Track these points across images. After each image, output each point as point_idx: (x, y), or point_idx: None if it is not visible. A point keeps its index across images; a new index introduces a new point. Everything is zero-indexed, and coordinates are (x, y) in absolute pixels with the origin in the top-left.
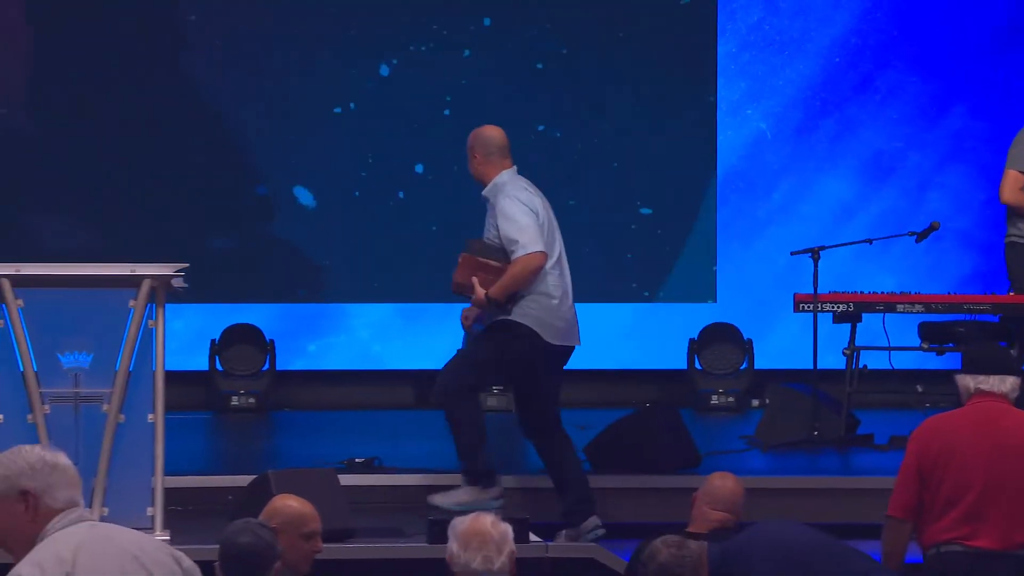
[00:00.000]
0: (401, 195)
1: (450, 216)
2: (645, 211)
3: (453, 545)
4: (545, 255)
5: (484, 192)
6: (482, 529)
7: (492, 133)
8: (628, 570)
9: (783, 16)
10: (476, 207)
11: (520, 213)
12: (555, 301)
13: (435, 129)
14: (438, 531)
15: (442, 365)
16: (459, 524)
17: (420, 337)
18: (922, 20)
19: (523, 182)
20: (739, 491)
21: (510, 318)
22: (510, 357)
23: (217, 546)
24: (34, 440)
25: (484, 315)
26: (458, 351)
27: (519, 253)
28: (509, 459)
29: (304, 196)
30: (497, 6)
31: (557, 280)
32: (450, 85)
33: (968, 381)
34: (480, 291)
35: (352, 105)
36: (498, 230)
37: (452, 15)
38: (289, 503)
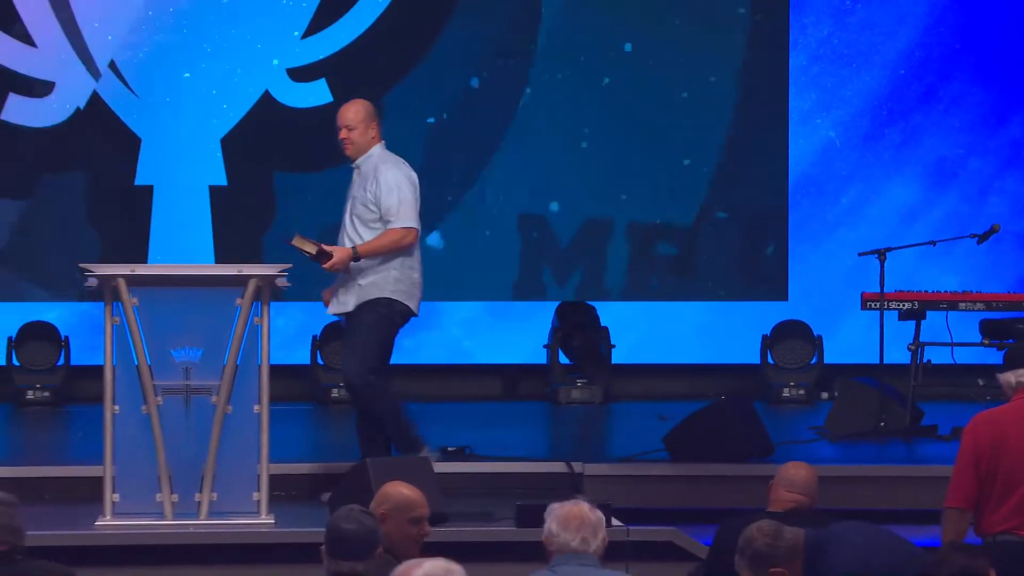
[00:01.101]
0: (490, 201)
1: (534, 225)
2: (720, 215)
3: (552, 525)
4: (418, 233)
5: (362, 162)
6: (581, 512)
7: (374, 106)
8: (711, 554)
9: (851, 31)
10: (563, 222)
11: (407, 188)
12: (417, 275)
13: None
14: (526, 515)
15: (527, 359)
16: (558, 508)
17: (507, 333)
18: (983, 34)
19: (398, 157)
20: (812, 477)
21: (388, 296)
22: (393, 332)
23: (317, 529)
24: (148, 427)
25: (342, 290)
26: (345, 341)
27: (396, 224)
28: (591, 449)
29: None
30: (570, 24)
31: (419, 255)
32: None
33: (1009, 377)
34: (347, 250)
35: (444, 115)
36: (376, 198)
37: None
38: (399, 489)
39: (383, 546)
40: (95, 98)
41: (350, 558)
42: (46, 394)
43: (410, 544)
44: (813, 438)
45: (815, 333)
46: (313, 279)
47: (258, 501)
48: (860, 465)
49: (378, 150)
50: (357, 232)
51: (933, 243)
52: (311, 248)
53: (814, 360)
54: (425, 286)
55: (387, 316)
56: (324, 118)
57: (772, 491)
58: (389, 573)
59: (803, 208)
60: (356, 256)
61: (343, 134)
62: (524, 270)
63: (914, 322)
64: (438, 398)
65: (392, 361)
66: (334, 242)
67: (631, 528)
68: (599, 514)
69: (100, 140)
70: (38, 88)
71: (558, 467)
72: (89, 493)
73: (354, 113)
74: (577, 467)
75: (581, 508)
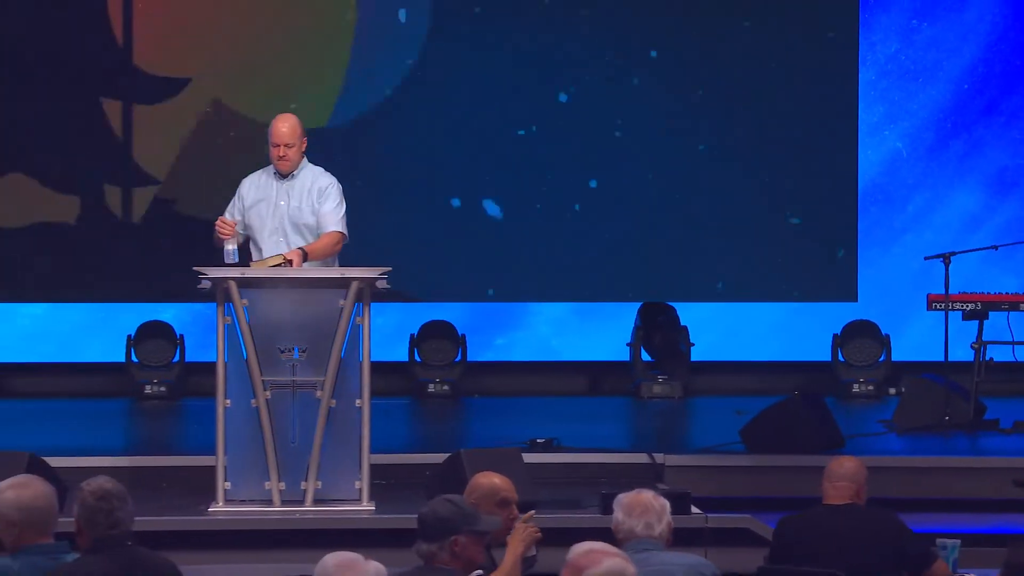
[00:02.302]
0: (577, 207)
1: (619, 225)
2: (795, 220)
3: (618, 514)
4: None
5: (297, 172)
6: (644, 500)
7: None
8: (772, 547)
9: (917, 47)
10: (641, 218)
11: (342, 199)
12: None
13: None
14: (610, 503)
15: (611, 357)
16: (623, 497)
17: (593, 332)
18: None
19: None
20: (857, 468)
21: None
22: None
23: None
24: (257, 420)
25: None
26: None
27: (336, 229)
28: (671, 441)
29: (492, 208)
30: (663, 41)
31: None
32: (620, 110)
33: None
34: (300, 252)
35: (534, 128)
36: (317, 204)
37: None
38: (483, 479)
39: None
40: None
41: (422, 539)
42: (163, 389)
43: (503, 527)
44: (881, 431)
45: (883, 332)
46: (412, 282)
47: (360, 489)
48: (926, 457)
49: (306, 161)
50: (301, 236)
51: (995, 247)
52: (275, 261)
53: (882, 358)
54: (514, 288)
55: None
56: None
57: (822, 485)
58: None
59: (872, 215)
60: (305, 257)
61: (281, 152)
62: (608, 271)
63: (977, 322)
64: (528, 393)
65: (485, 358)
66: (245, 247)
67: (709, 515)
68: (663, 501)
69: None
70: None
71: (640, 458)
72: (203, 481)
73: (290, 130)
74: (658, 458)
75: (645, 496)
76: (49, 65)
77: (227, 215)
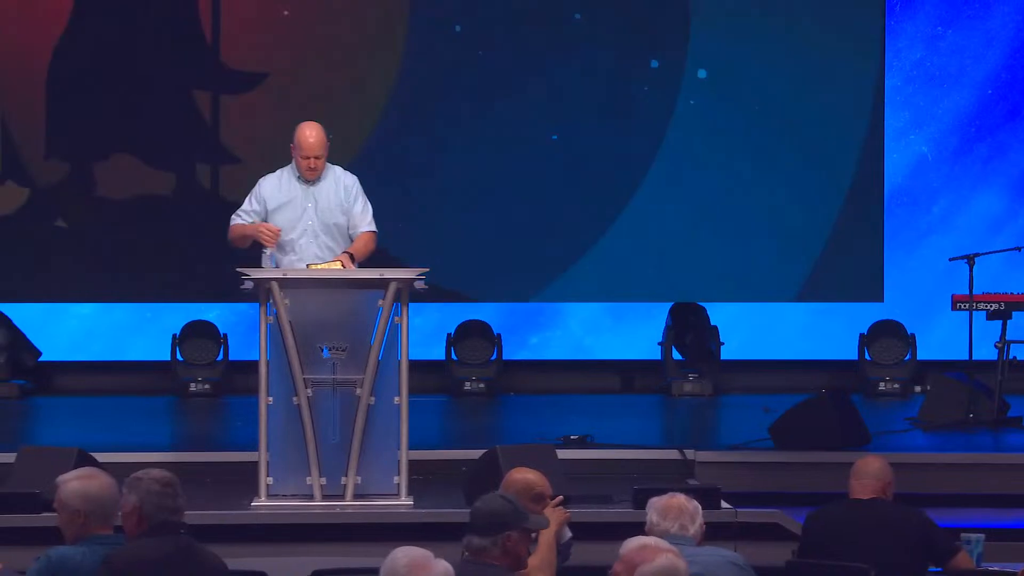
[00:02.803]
0: (610, 211)
1: (652, 228)
2: (823, 223)
3: (652, 516)
4: None
5: (323, 176)
6: (678, 503)
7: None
8: (802, 541)
9: (942, 54)
10: (674, 222)
11: (366, 197)
12: None
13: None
14: (642, 497)
15: (643, 356)
16: (656, 500)
17: (625, 331)
18: None
19: None
20: (882, 466)
21: None
22: None
23: (452, 510)
24: (298, 417)
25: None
26: None
27: (370, 229)
28: (702, 438)
29: (529, 210)
30: (702, 51)
31: None
32: (652, 115)
33: None
34: (347, 256)
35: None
36: (349, 205)
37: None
38: (521, 474)
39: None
40: None
41: (475, 533)
42: (207, 387)
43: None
44: (907, 428)
45: (909, 332)
46: (450, 284)
47: (398, 484)
48: (951, 453)
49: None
50: (331, 237)
51: (1019, 248)
52: (335, 266)
53: (908, 357)
54: (549, 289)
55: None
56: None
57: (849, 483)
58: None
59: (898, 217)
60: (353, 260)
61: (311, 163)
62: (640, 273)
63: (1001, 322)
64: (561, 391)
65: (520, 357)
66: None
67: (739, 510)
68: (695, 504)
69: None
70: None
71: (672, 454)
72: (245, 477)
73: (319, 140)
74: (689, 454)
75: (678, 499)
76: (149, 62)
77: (244, 214)
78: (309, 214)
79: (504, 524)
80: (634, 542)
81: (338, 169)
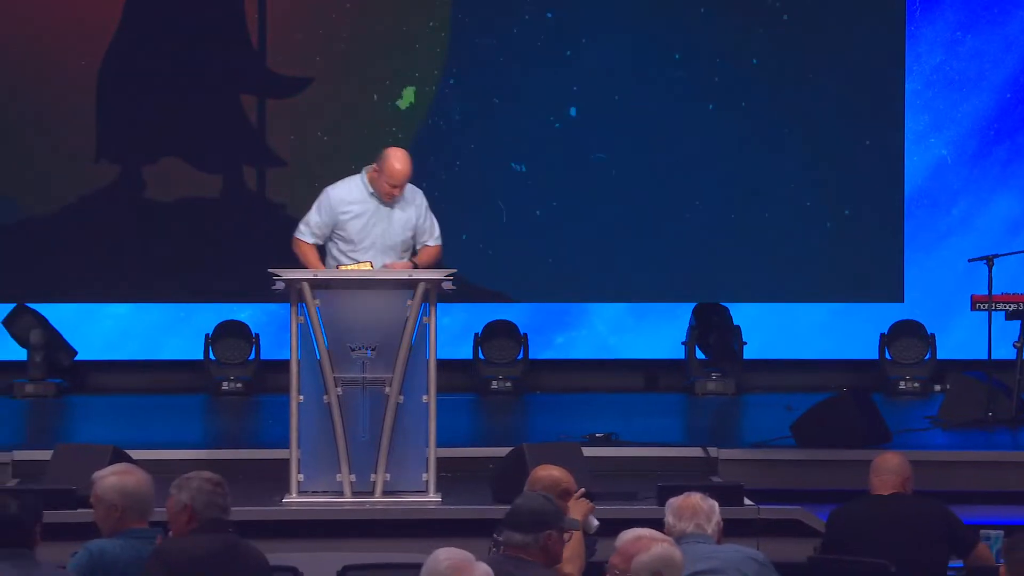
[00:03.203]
0: (634, 212)
1: (675, 230)
2: (844, 225)
3: (669, 517)
4: None
5: (407, 193)
6: (693, 503)
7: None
8: (826, 536)
9: (962, 58)
10: (696, 224)
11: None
12: None
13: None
14: (667, 494)
15: (666, 355)
16: (673, 501)
17: (649, 331)
18: None
19: None
20: (896, 462)
21: None
22: None
23: (480, 506)
24: (329, 415)
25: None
26: None
27: (438, 244)
28: (725, 436)
29: (551, 211)
30: (724, 52)
31: None
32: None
33: None
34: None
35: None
36: (419, 221)
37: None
38: (546, 471)
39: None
40: None
41: (516, 530)
42: (239, 385)
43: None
44: (927, 426)
45: (929, 331)
46: (478, 284)
47: (427, 481)
48: (970, 451)
49: None
50: (394, 253)
51: None
52: (364, 266)
53: (928, 356)
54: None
55: None
56: None
57: (869, 480)
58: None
59: (918, 218)
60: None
61: (396, 192)
62: (664, 273)
63: (1020, 322)
64: (586, 390)
65: (546, 356)
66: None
67: (761, 507)
68: (711, 502)
69: None
70: None
71: (695, 452)
72: (277, 473)
73: (405, 171)
74: (712, 452)
75: (693, 499)
76: (198, 67)
77: (311, 233)
78: (379, 231)
79: (545, 523)
80: (629, 534)
81: (409, 186)
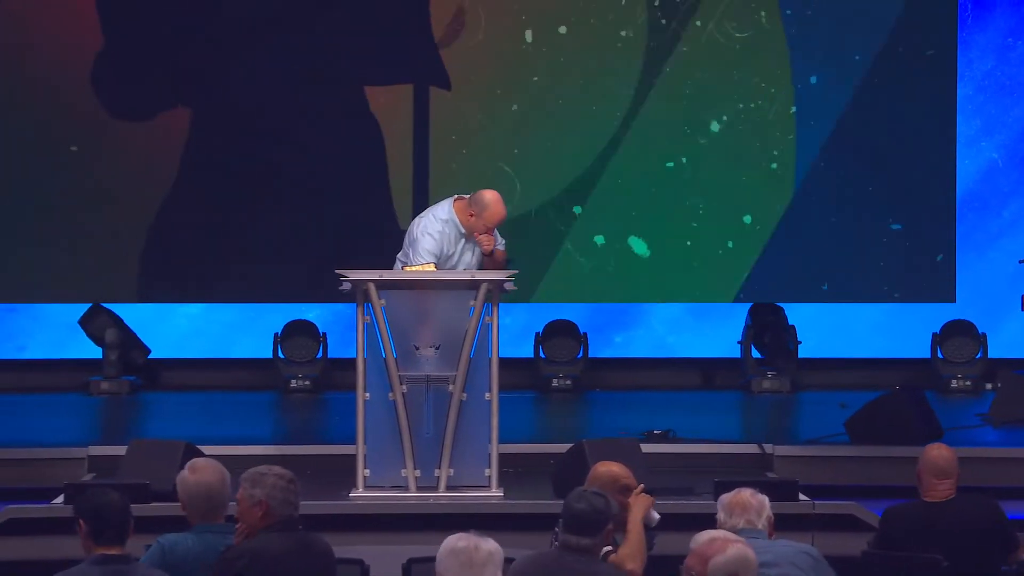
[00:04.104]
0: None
1: (733, 232)
2: (895, 227)
3: (720, 514)
4: None
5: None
6: (743, 499)
7: None
8: (879, 533)
9: (1012, 64)
10: (753, 226)
11: None
12: None
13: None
14: (723, 490)
15: (723, 354)
16: (724, 497)
17: (706, 330)
18: None
19: None
20: (952, 462)
21: None
22: None
23: (541, 501)
24: (394, 412)
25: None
26: None
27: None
28: (780, 433)
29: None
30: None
31: None
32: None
33: None
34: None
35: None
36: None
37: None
38: (606, 468)
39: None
40: None
41: (580, 534)
42: (307, 383)
43: (624, 512)
44: (978, 424)
45: (980, 331)
46: (535, 285)
47: (489, 476)
48: (1021, 448)
49: None
50: None
51: None
52: (428, 267)
53: (979, 355)
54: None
55: None
56: None
57: (923, 477)
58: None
59: (969, 221)
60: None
61: (490, 234)
62: (721, 274)
63: None
64: (644, 387)
65: (605, 355)
66: None
67: (816, 502)
68: (760, 498)
69: None
70: None
71: (751, 448)
72: (344, 469)
73: (504, 216)
74: (768, 448)
75: (743, 495)
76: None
77: (429, 256)
78: (464, 260)
79: (606, 520)
80: (704, 536)
81: None
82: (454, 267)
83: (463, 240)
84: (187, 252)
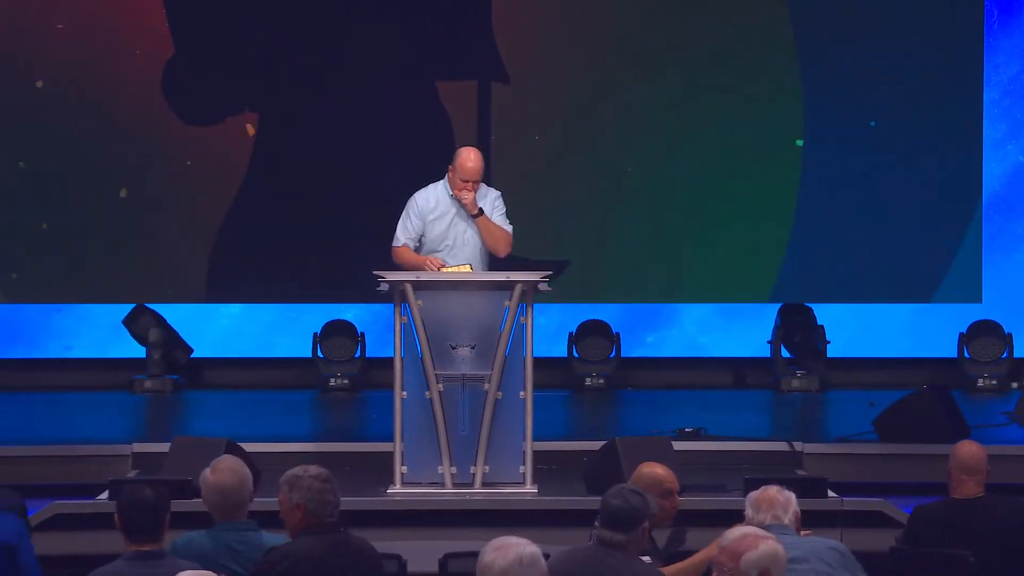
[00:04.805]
0: (724, 218)
1: (761, 234)
2: (925, 228)
3: (748, 510)
4: None
5: (482, 193)
6: (770, 496)
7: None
8: (908, 530)
9: None
10: (782, 228)
11: (505, 208)
12: None
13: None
14: (753, 487)
15: (753, 353)
16: (752, 494)
17: (736, 330)
18: None
19: None
20: (982, 458)
21: None
22: None
23: (574, 497)
24: (430, 410)
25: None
26: None
27: (507, 229)
28: (809, 431)
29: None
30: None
31: None
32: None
33: None
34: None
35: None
36: (490, 214)
37: None
38: (650, 469)
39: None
40: None
41: (615, 529)
42: (345, 382)
43: (664, 515)
44: (1004, 422)
45: (1006, 331)
46: (569, 286)
47: (524, 473)
48: None
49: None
50: (481, 254)
51: None
52: (464, 269)
53: (1005, 354)
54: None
55: None
56: None
57: (954, 473)
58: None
59: (995, 223)
60: (480, 215)
61: (471, 187)
62: (751, 275)
63: None
64: (676, 386)
65: (638, 354)
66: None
67: (845, 499)
68: (787, 494)
69: None
70: None
71: (780, 446)
72: (382, 465)
73: (479, 168)
74: (797, 446)
75: (769, 492)
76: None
77: (407, 236)
78: (460, 229)
79: (643, 517)
80: (735, 532)
81: (483, 186)
82: (447, 227)
83: (459, 204)
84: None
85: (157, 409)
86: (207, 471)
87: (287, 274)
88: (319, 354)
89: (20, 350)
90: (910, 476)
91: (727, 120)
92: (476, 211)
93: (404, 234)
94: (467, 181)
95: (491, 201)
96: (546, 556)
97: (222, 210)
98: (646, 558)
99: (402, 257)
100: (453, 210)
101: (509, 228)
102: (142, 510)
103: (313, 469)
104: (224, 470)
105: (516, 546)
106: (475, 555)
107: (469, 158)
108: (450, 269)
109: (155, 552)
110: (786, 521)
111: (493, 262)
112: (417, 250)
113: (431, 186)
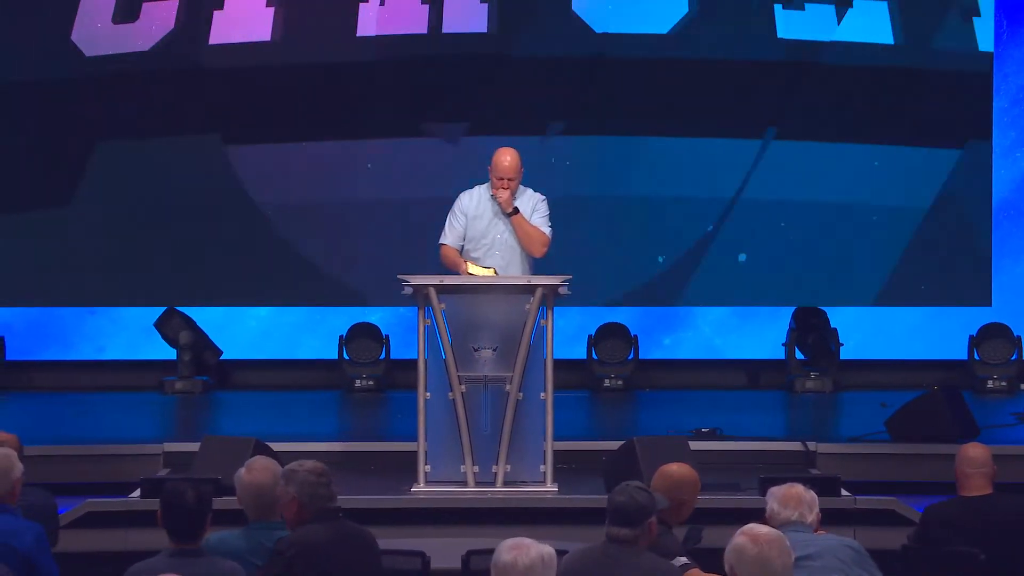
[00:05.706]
0: (741, 223)
1: (778, 239)
2: (935, 233)
3: (773, 504)
4: None
5: (516, 197)
6: (797, 493)
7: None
8: (919, 529)
9: None
10: (797, 233)
11: (549, 212)
12: None
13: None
14: (768, 486)
15: (767, 355)
16: (777, 489)
17: (751, 333)
18: None
19: None
20: (986, 456)
21: None
22: None
23: (594, 496)
24: (453, 410)
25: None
26: None
27: (545, 232)
28: (823, 431)
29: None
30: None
31: None
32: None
33: None
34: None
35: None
36: (529, 216)
37: None
38: (667, 469)
39: (659, 515)
40: None
41: (621, 525)
42: (371, 383)
43: (675, 515)
44: (1013, 423)
45: (1016, 334)
46: (593, 290)
47: (544, 472)
48: None
49: (521, 186)
50: (520, 255)
51: None
52: (488, 272)
53: (1015, 356)
54: (681, 293)
55: None
56: None
57: (960, 472)
58: (663, 538)
59: (1005, 228)
60: (515, 213)
61: (505, 184)
62: (766, 279)
63: None
64: (692, 387)
65: (655, 356)
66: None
67: (857, 498)
68: (812, 493)
69: None
70: None
71: (795, 446)
72: (406, 464)
73: (512, 165)
74: (811, 446)
75: (797, 489)
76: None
77: (452, 236)
78: (497, 230)
79: (649, 512)
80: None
81: (529, 190)
82: (486, 226)
83: (499, 205)
84: (255, 256)
85: (187, 409)
86: (242, 470)
87: (314, 277)
88: (345, 356)
89: (54, 352)
90: (921, 475)
91: (742, 127)
92: (511, 209)
93: (449, 232)
94: (502, 179)
95: (531, 203)
96: (566, 553)
97: (252, 216)
98: (682, 558)
99: (444, 256)
100: (492, 210)
101: (547, 230)
102: (187, 511)
103: (309, 464)
104: (259, 469)
105: (533, 546)
106: None
107: (504, 157)
108: (477, 271)
109: (195, 550)
110: (809, 520)
111: (536, 263)
112: (461, 248)
113: (476, 187)
